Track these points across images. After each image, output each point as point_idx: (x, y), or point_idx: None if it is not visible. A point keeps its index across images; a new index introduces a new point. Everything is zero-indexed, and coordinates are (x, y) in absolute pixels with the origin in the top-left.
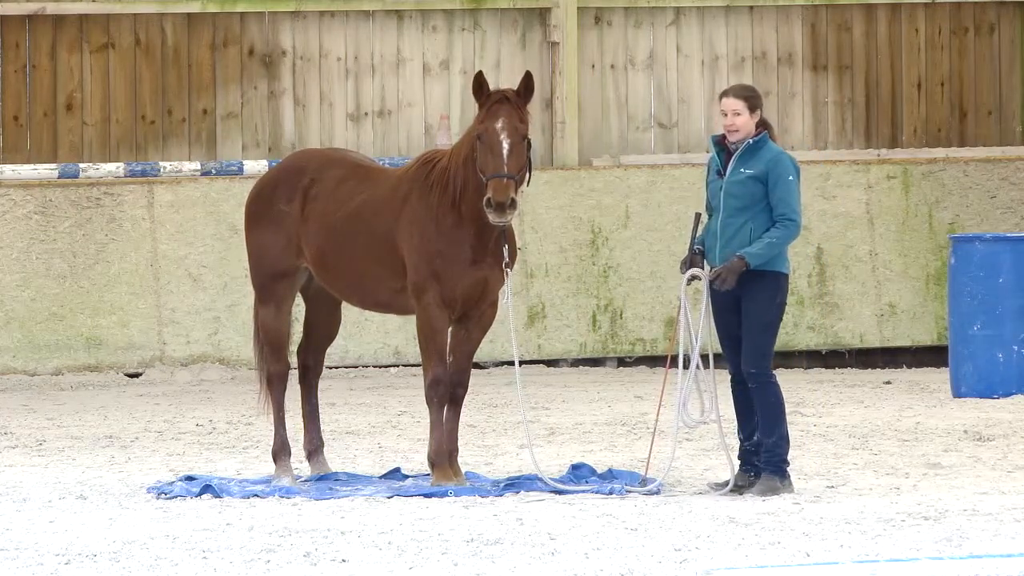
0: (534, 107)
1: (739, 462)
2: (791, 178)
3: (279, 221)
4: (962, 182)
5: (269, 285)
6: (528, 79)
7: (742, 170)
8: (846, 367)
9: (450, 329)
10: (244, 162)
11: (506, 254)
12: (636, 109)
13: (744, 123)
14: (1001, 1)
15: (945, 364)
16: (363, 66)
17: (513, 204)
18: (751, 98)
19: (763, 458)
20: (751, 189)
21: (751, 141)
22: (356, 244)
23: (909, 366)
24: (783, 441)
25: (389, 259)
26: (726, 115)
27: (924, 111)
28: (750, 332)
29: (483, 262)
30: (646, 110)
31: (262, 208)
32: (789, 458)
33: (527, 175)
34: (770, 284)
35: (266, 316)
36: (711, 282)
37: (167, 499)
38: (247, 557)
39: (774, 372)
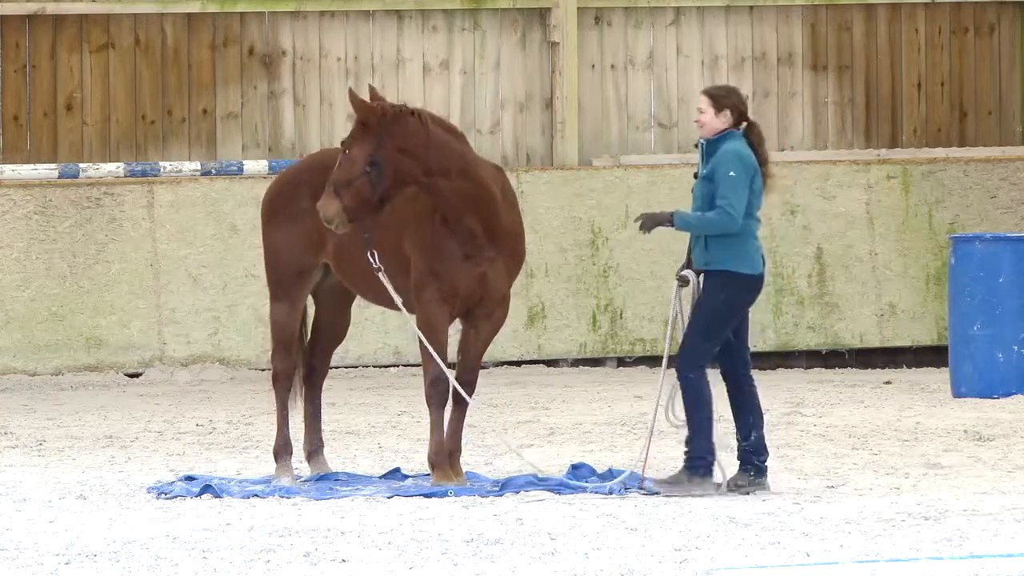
0: (534, 107)
1: (739, 462)
2: (732, 173)
3: (300, 218)
4: (962, 182)
5: (285, 282)
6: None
7: (702, 170)
8: (846, 367)
9: (460, 328)
10: (244, 162)
11: (375, 261)
12: (636, 109)
13: (708, 121)
14: (1001, 1)
15: (945, 364)
16: (363, 66)
17: (328, 220)
18: (718, 97)
19: (685, 452)
20: (705, 189)
21: (705, 141)
22: (374, 245)
23: (909, 366)
24: (699, 437)
25: (400, 257)
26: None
27: (924, 111)
28: (687, 328)
29: (479, 258)
30: (646, 110)
31: (283, 205)
32: (793, 457)
33: (367, 184)
34: (716, 282)
35: (278, 313)
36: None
37: (167, 499)
38: (247, 557)
39: (702, 371)
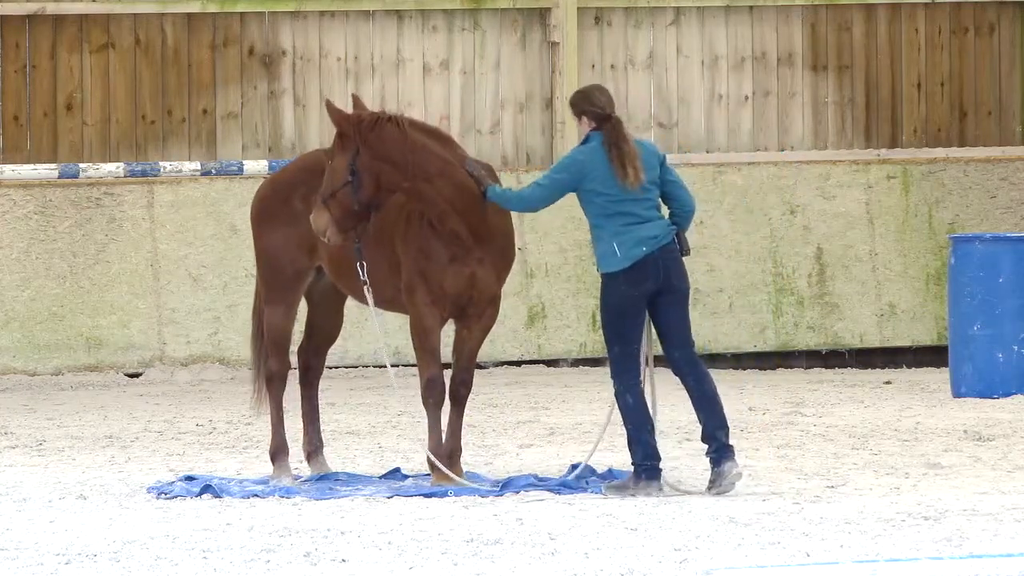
0: (534, 107)
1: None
2: (555, 167)
3: (295, 220)
4: (962, 182)
5: (281, 285)
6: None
7: None
8: (846, 367)
9: (455, 328)
10: (244, 162)
11: (362, 273)
12: (636, 109)
13: (578, 127)
14: (1001, 1)
15: (945, 364)
16: (363, 66)
17: (320, 232)
18: (573, 105)
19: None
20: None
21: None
22: (367, 242)
23: (909, 366)
24: (634, 446)
25: (393, 260)
26: None
27: (924, 111)
28: None
29: (467, 258)
30: (646, 110)
31: (276, 207)
32: (793, 457)
33: (349, 194)
34: (601, 286)
35: (274, 316)
36: None
37: (167, 499)
38: (247, 557)
39: (624, 380)
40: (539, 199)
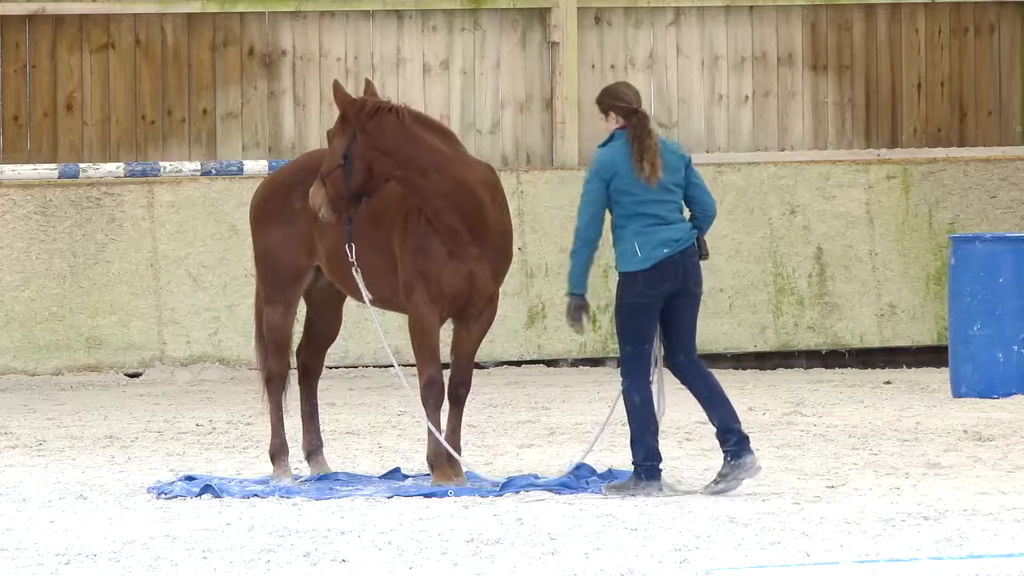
0: (534, 107)
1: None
2: (586, 179)
3: (293, 220)
4: (962, 182)
5: (280, 285)
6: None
7: None
8: (846, 367)
9: (453, 328)
10: (244, 162)
11: (351, 254)
12: None
13: (604, 126)
14: (1001, 1)
15: (945, 364)
16: (363, 66)
17: (315, 207)
18: (599, 103)
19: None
20: None
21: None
22: (365, 241)
23: (909, 366)
24: (636, 446)
25: (392, 256)
26: None
27: (924, 111)
28: None
29: (465, 255)
30: (646, 110)
31: (275, 207)
32: (793, 457)
33: (343, 176)
34: (617, 285)
35: (273, 316)
36: None
37: (167, 499)
38: (247, 557)
39: (633, 378)
40: (588, 218)
